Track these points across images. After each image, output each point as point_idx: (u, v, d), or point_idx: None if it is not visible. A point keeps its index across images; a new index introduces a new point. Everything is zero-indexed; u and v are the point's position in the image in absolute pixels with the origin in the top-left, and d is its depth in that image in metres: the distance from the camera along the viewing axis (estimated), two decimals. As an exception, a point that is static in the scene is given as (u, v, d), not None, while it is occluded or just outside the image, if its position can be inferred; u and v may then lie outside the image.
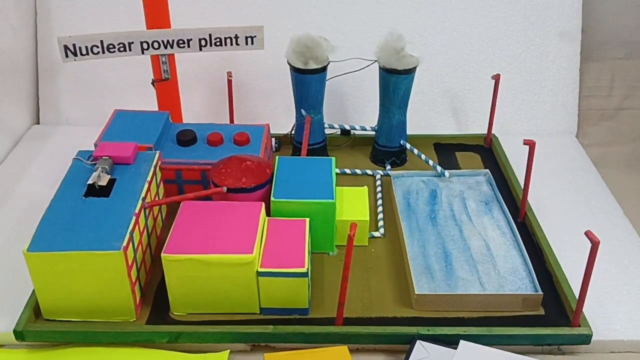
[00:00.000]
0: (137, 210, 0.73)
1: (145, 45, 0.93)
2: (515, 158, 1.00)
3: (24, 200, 0.96)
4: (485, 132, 1.08)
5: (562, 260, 0.80)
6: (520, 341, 0.71)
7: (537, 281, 0.76)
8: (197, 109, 1.16)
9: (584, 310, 0.72)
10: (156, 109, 1.00)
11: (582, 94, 1.19)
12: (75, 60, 0.91)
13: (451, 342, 0.69)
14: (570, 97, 1.18)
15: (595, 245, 0.65)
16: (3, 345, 0.74)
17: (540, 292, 0.74)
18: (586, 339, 0.71)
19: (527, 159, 0.84)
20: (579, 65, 1.18)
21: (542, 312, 0.74)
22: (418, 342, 0.69)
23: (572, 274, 0.77)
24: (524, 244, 0.83)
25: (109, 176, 0.77)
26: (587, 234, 0.66)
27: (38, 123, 1.19)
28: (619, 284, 0.81)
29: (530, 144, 0.83)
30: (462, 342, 0.67)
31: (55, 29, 1.16)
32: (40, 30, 1.17)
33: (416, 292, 0.74)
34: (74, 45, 0.90)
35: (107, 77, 1.17)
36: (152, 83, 0.98)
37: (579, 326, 0.71)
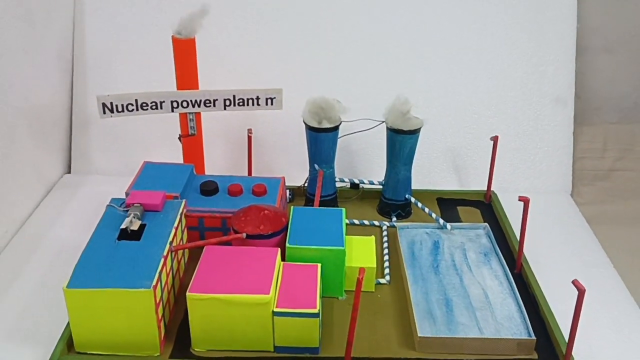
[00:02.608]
0: (165, 253, 0.79)
1: (175, 104, 0.99)
2: (513, 213, 1.04)
3: (56, 243, 1.01)
4: (485, 188, 1.13)
5: (555, 309, 0.84)
6: (515, 382, 0.76)
7: (531, 327, 0.81)
8: (218, 162, 1.20)
9: (576, 356, 0.77)
10: (181, 161, 1.05)
11: (576, 156, 1.25)
12: (111, 116, 0.97)
13: (451, 381, 0.74)
14: (565, 158, 1.23)
15: (581, 293, 0.71)
16: (36, 375, 0.79)
17: (534, 337, 0.79)
18: (576, 382, 0.76)
19: (522, 214, 0.91)
20: (572, 129, 1.24)
21: (535, 356, 0.79)
22: (420, 380, 0.74)
23: (564, 321, 0.80)
24: (520, 293, 0.87)
25: (140, 222, 0.83)
26: (574, 282, 0.71)
27: (69, 172, 1.25)
28: (608, 332, 0.86)
29: (525, 201, 0.89)
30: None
31: (90, 86, 1.24)
32: (76, 87, 1.24)
33: (419, 335, 0.79)
34: (111, 103, 0.96)
35: (135, 131, 1.22)
36: (179, 138, 1.04)
37: (569, 369, 0.76)
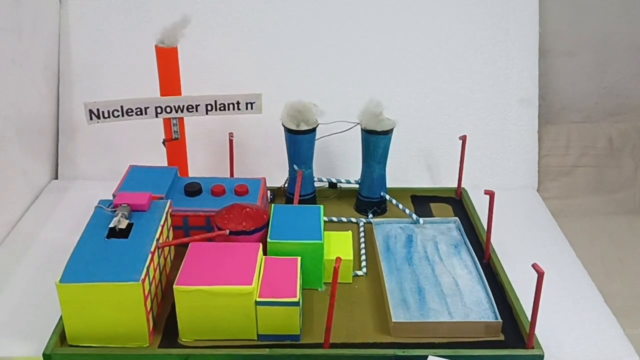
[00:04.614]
0: (152, 249, 0.83)
1: (159, 110, 1.03)
2: (482, 208, 1.07)
3: (46, 244, 1.04)
4: (456, 185, 1.18)
5: (521, 295, 0.89)
6: (482, 361, 0.80)
7: (497, 311, 0.86)
8: (201, 164, 1.23)
9: (539, 337, 0.81)
10: (166, 164, 1.09)
11: (541, 153, 1.31)
12: (98, 122, 1.01)
13: (423, 361, 0.79)
14: (531, 155, 1.29)
15: (540, 275, 0.76)
16: (31, 368, 0.82)
17: (500, 320, 0.84)
18: (539, 359, 0.81)
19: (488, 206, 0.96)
20: (537, 128, 1.30)
21: (502, 337, 0.84)
22: (395, 361, 0.79)
23: (529, 306, 0.85)
24: (488, 280, 0.92)
25: (127, 221, 0.87)
26: (534, 266, 0.76)
27: (57, 178, 1.28)
28: (569, 314, 0.91)
29: (490, 194, 0.95)
30: (430, 357, 0.77)
31: (75, 94, 1.27)
32: (62, 95, 1.27)
33: (393, 320, 0.83)
34: (97, 109, 1.00)
35: (121, 137, 1.25)
36: (163, 142, 1.08)
37: (533, 348, 0.81)
